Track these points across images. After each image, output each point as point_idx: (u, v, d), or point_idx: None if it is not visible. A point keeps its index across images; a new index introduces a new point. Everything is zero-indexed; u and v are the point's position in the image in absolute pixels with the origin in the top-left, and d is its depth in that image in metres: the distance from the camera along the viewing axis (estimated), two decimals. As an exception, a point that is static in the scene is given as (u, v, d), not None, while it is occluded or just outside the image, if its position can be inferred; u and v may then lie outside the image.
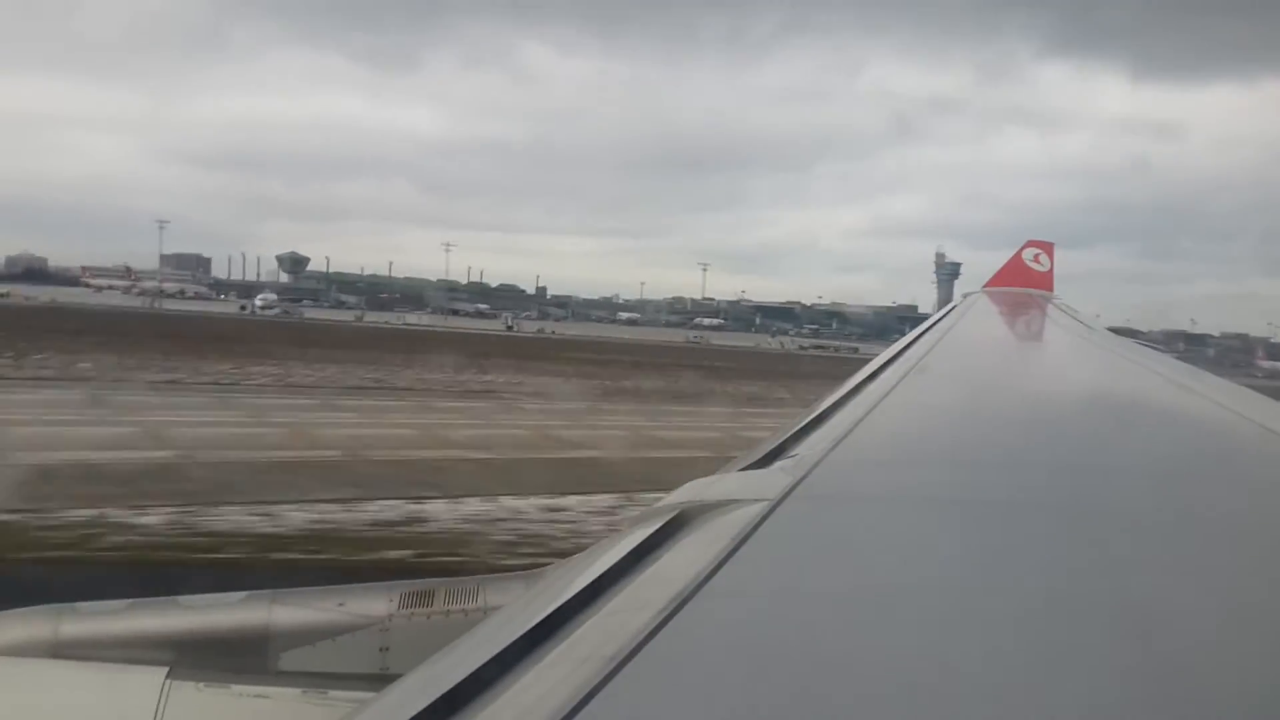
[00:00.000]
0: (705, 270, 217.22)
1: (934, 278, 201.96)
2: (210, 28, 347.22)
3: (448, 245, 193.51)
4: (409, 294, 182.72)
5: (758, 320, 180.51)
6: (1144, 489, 2.77)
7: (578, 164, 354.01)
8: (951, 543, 2.21)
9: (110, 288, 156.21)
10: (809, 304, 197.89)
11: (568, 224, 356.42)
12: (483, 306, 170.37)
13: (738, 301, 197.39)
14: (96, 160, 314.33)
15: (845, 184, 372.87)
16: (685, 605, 1.64)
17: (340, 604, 3.36)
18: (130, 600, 3.51)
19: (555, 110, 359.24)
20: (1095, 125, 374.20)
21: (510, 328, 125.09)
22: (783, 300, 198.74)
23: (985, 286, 12.67)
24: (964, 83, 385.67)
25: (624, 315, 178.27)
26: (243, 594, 3.50)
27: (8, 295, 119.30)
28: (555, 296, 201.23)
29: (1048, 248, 13.33)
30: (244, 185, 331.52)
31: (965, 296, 11.66)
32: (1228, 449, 3.61)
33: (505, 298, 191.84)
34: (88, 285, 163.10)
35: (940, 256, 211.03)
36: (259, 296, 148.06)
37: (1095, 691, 1.47)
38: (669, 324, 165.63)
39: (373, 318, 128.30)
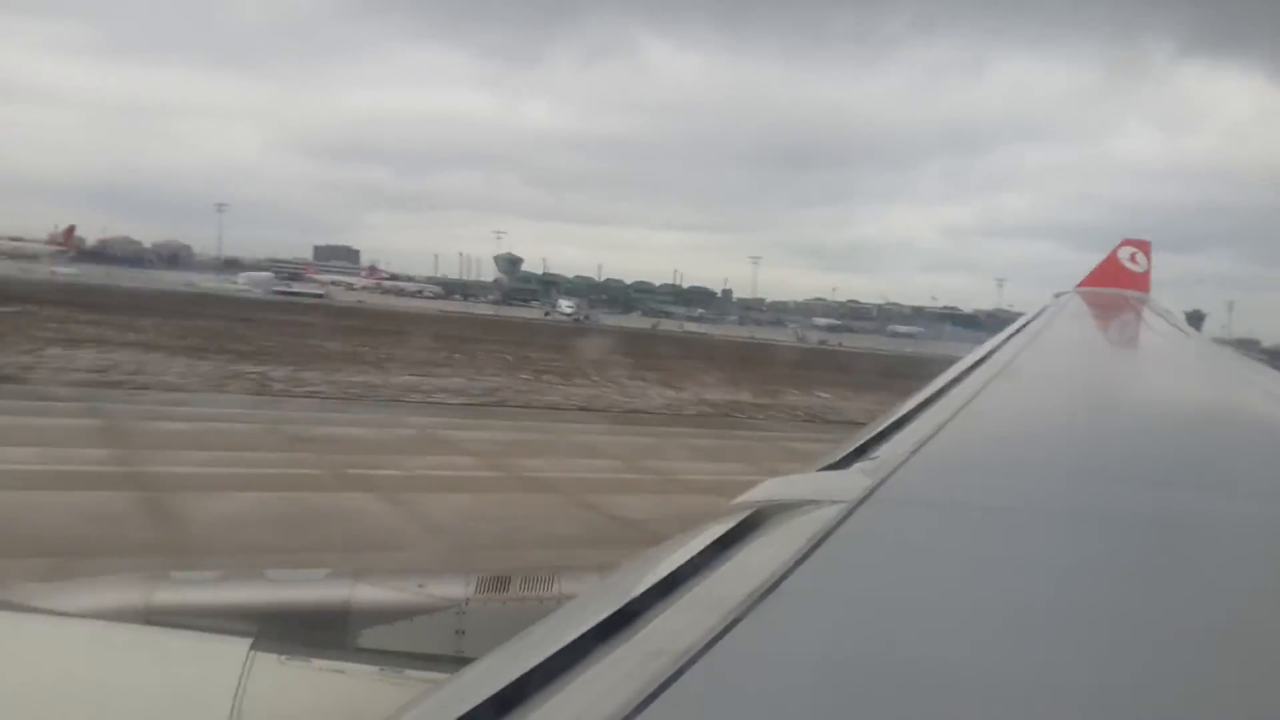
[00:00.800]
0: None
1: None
2: (338, 22, 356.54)
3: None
4: (616, 296, 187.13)
5: (948, 328, 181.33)
6: (1241, 506, 2.67)
7: (685, 158, 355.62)
8: (1033, 556, 2.13)
9: (334, 284, 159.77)
10: (991, 310, 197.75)
11: (667, 218, 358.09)
12: (700, 310, 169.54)
13: (921, 308, 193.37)
14: (209, 150, 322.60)
15: (953, 182, 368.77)
16: (758, 605, 1.63)
17: (420, 585, 3.43)
18: (219, 571, 3.64)
19: (669, 105, 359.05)
20: (1224, 126, 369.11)
21: (801, 339, 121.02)
22: (941, 304, 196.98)
23: (1079, 286, 12.06)
24: (1089, 80, 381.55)
25: (821, 321, 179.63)
26: (326, 571, 3.60)
27: (325, 296, 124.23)
28: (741, 300, 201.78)
29: (1144, 246, 12.70)
30: (352, 175, 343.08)
31: (1058, 296, 11.11)
32: None
33: (695, 299, 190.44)
34: (312, 280, 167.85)
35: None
36: (563, 302, 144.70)
37: (1184, 708, 1.45)
38: (865, 331, 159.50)
39: (630, 322, 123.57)
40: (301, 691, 3.05)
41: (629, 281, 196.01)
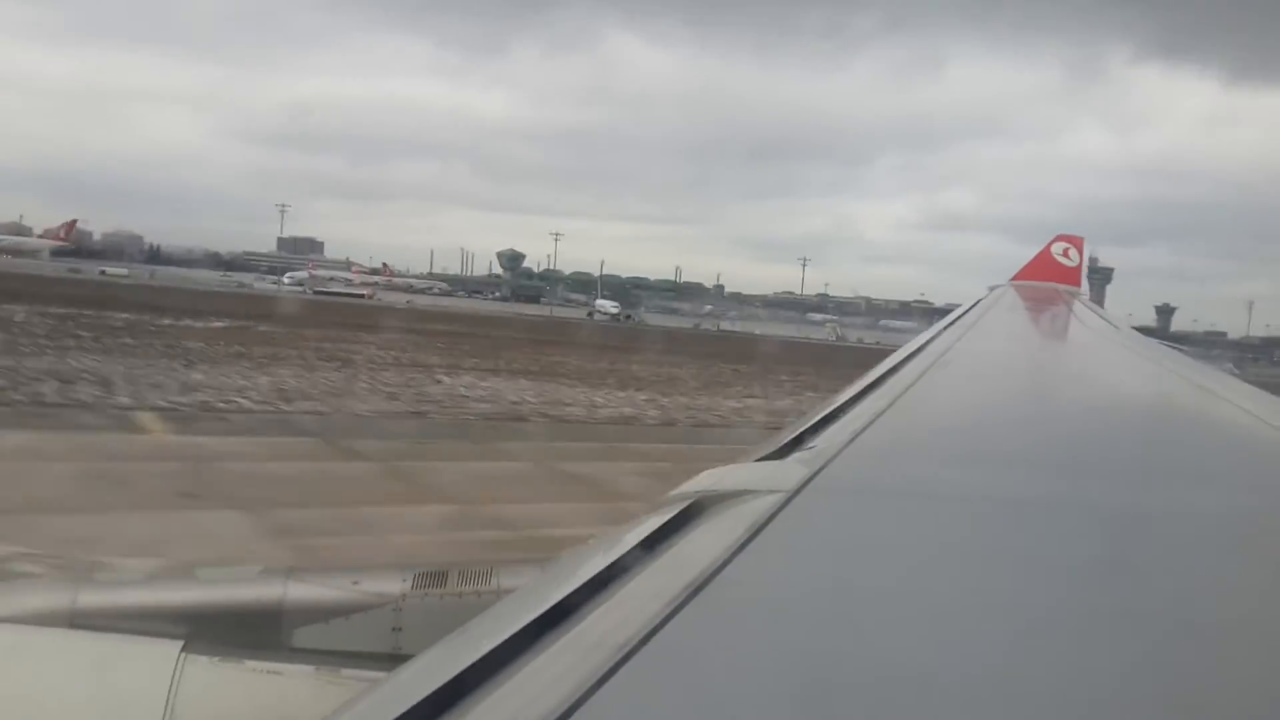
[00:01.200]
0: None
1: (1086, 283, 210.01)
2: (297, 11, 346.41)
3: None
4: (615, 292, 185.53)
5: (934, 321, 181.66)
6: (1162, 490, 2.70)
7: (641, 151, 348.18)
8: (967, 540, 2.16)
9: (335, 279, 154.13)
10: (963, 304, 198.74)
11: (618, 209, 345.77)
12: (708, 308, 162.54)
13: (909, 303, 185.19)
14: (158, 136, 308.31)
15: (903, 177, 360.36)
16: (697, 595, 1.62)
17: (354, 582, 3.36)
18: (147, 572, 3.60)
19: (629, 97, 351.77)
20: (1179, 125, 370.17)
21: (841, 337, 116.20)
22: (915, 298, 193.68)
23: (1012, 280, 12.25)
24: (1044, 79, 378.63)
25: (817, 316, 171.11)
26: (258, 568, 3.54)
27: (371, 297, 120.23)
28: (733, 294, 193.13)
29: (1077, 242, 12.98)
30: (304, 164, 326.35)
31: (991, 290, 11.18)
32: (1245, 451, 3.50)
33: (690, 294, 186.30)
34: (315, 277, 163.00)
35: (1093, 260, 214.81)
36: (603, 302, 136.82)
37: (1112, 695, 1.44)
38: (857, 326, 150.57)
39: (674, 321, 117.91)
40: (235, 693, 3.02)
41: (624, 276, 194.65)
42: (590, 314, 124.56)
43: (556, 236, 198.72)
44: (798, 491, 2.25)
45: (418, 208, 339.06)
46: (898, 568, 1.97)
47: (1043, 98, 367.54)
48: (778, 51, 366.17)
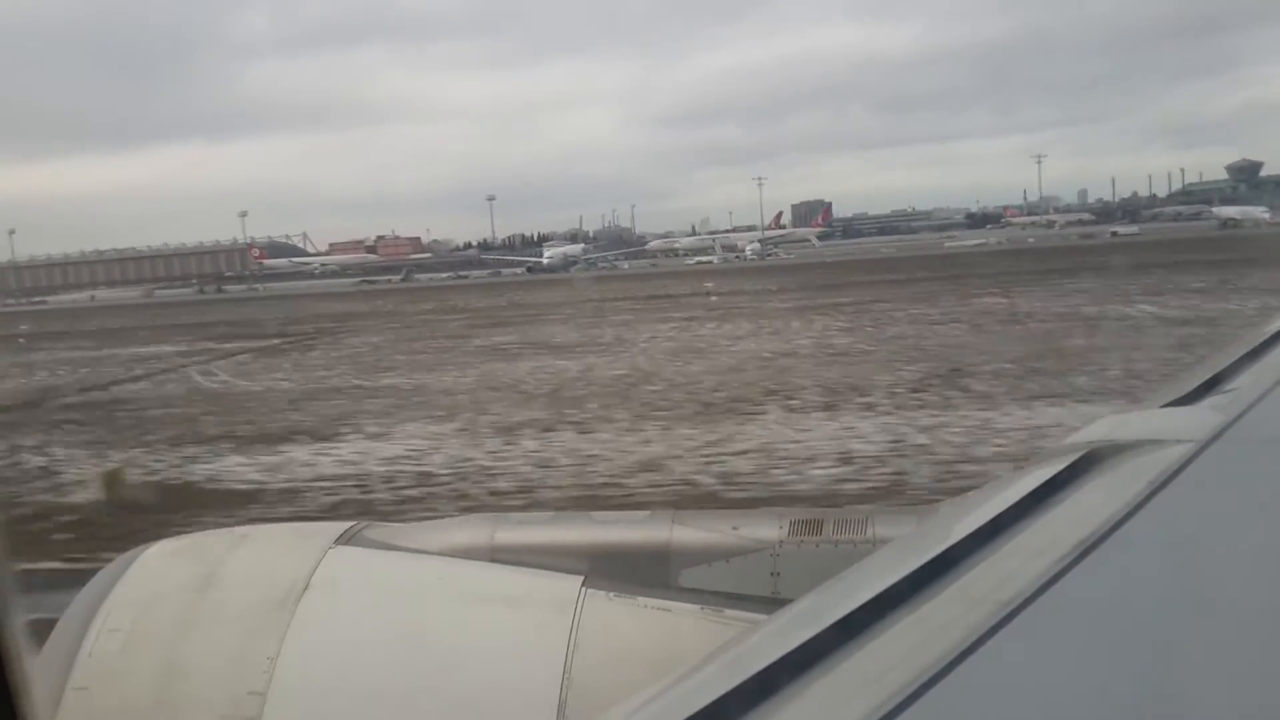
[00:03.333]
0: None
1: None
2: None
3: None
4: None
5: None
6: None
7: (1051, 52, 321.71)
8: None
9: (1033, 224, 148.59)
10: None
11: (1014, 123, 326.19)
12: None
13: None
14: (565, 135, 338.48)
15: None
16: (1089, 553, 1.49)
17: (734, 527, 3.35)
18: (552, 513, 3.99)
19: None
20: None
21: None
22: None
23: None
24: None
25: None
26: (647, 512, 3.66)
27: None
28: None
29: None
30: (697, 136, 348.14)
31: None
32: None
33: None
34: (1010, 224, 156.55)
35: None
36: None
37: None
38: None
39: None
40: (629, 627, 3.14)
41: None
42: None
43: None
44: (1211, 441, 2.05)
45: (801, 159, 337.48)
46: None
47: None
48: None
